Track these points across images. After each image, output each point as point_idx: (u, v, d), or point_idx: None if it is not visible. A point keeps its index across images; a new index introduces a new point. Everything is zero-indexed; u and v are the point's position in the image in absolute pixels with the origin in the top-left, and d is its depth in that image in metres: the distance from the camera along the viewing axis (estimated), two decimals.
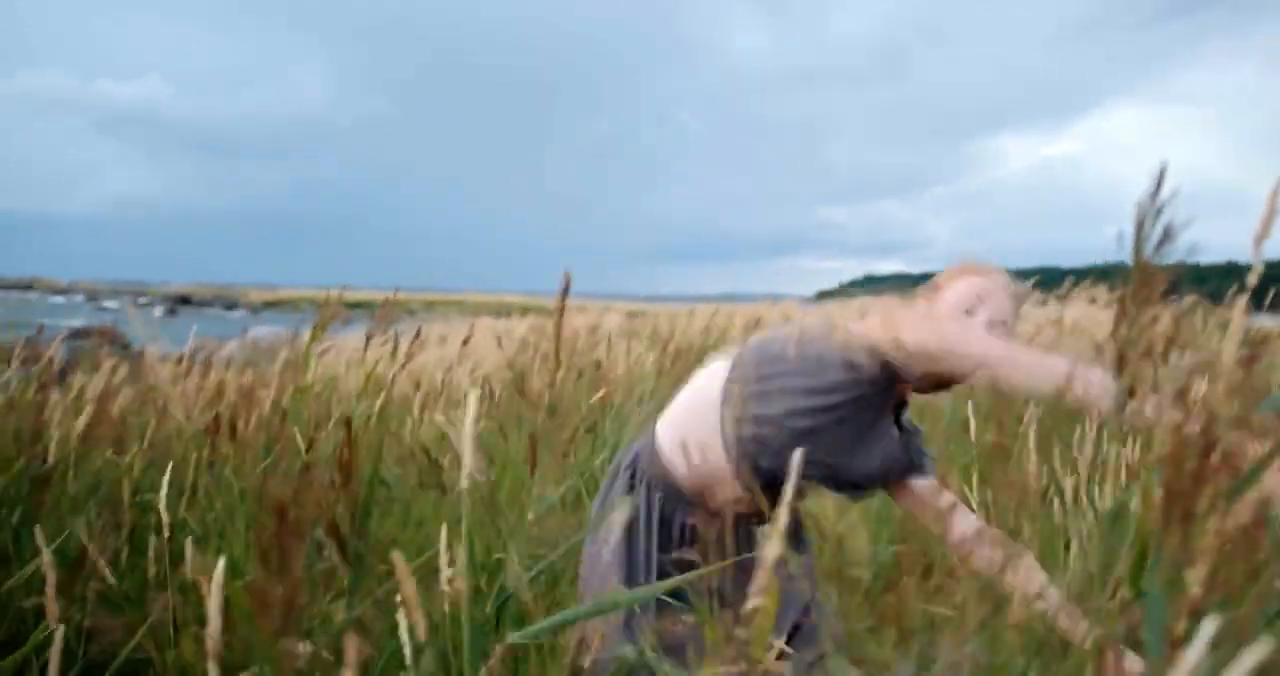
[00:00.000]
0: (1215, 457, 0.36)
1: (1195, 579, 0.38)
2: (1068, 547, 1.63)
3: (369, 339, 2.01)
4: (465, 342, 3.44)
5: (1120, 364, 0.41)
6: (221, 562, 0.57)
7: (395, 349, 2.04)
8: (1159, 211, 0.39)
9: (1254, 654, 0.33)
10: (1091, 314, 3.94)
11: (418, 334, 2.16)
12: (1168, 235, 0.38)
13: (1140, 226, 0.39)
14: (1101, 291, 4.44)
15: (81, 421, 1.78)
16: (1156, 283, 0.39)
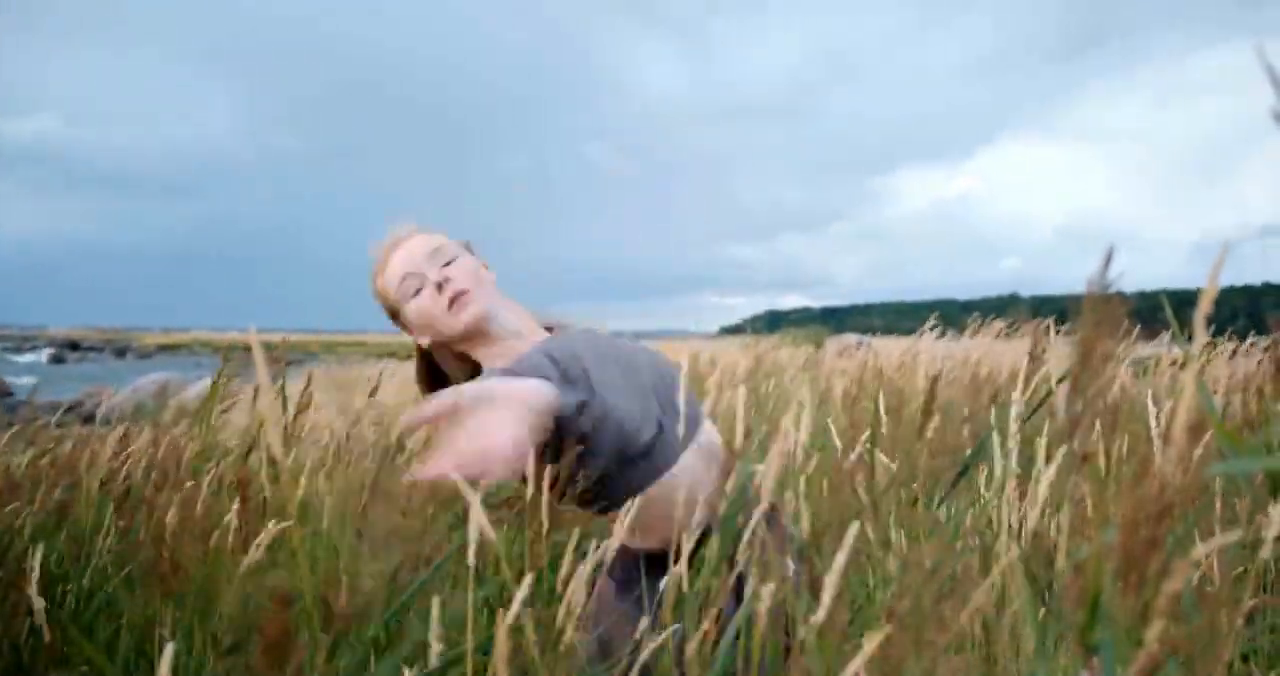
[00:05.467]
0: (1167, 524, 0.38)
1: (1152, 636, 0.40)
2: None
3: (256, 390, 1.85)
4: (373, 393, 3.13)
5: (1073, 429, 0.43)
6: None
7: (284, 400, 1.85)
8: (1107, 286, 0.41)
9: None
10: (995, 348, 4.11)
11: (309, 382, 2.01)
12: (1115, 316, 0.40)
13: (1092, 302, 0.41)
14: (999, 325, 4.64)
15: None
16: (1105, 359, 0.41)
